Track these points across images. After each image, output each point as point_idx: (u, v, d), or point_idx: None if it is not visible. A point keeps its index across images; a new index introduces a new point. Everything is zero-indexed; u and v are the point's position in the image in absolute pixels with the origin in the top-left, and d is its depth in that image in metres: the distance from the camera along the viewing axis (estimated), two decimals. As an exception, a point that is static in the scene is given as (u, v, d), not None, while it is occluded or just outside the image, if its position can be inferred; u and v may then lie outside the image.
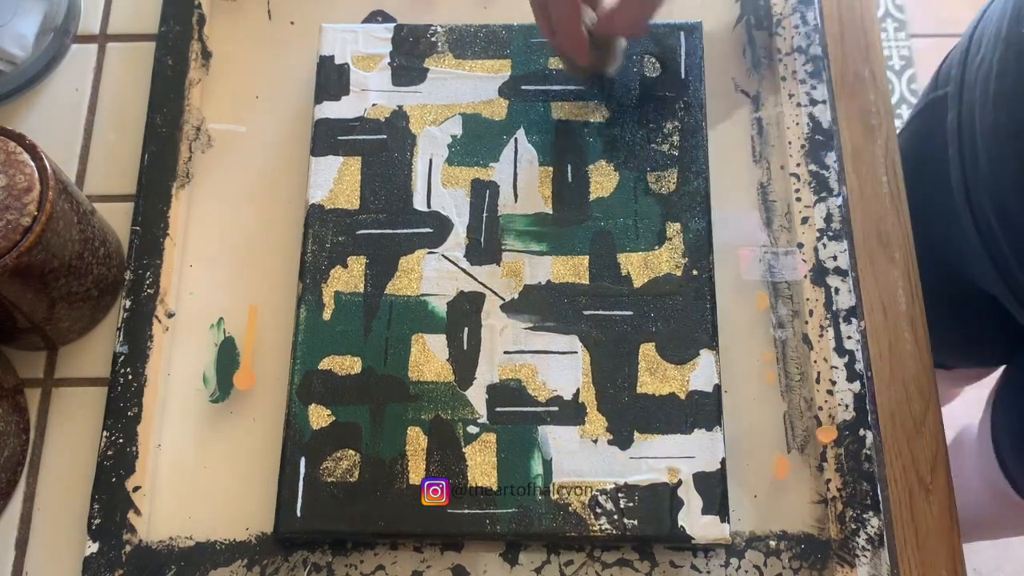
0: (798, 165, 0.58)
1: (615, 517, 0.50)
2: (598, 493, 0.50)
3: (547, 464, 0.51)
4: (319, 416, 0.52)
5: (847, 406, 0.53)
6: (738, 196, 0.58)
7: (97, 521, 0.51)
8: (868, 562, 0.50)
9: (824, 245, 0.57)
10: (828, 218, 0.57)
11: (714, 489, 0.50)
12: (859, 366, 0.54)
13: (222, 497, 0.53)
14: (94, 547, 0.51)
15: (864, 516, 0.51)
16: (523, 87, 0.59)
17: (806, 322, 0.55)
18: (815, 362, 0.55)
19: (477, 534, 0.50)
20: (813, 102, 0.60)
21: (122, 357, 0.55)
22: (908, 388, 0.56)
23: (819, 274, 0.56)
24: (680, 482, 0.50)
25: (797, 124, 0.59)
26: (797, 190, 0.58)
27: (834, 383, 0.54)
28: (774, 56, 0.61)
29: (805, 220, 0.57)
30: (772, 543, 0.51)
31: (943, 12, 1.62)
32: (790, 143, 0.59)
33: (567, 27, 0.53)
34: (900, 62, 1.60)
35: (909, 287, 0.58)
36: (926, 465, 0.54)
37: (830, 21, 0.63)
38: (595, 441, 0.51)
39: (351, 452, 0.51)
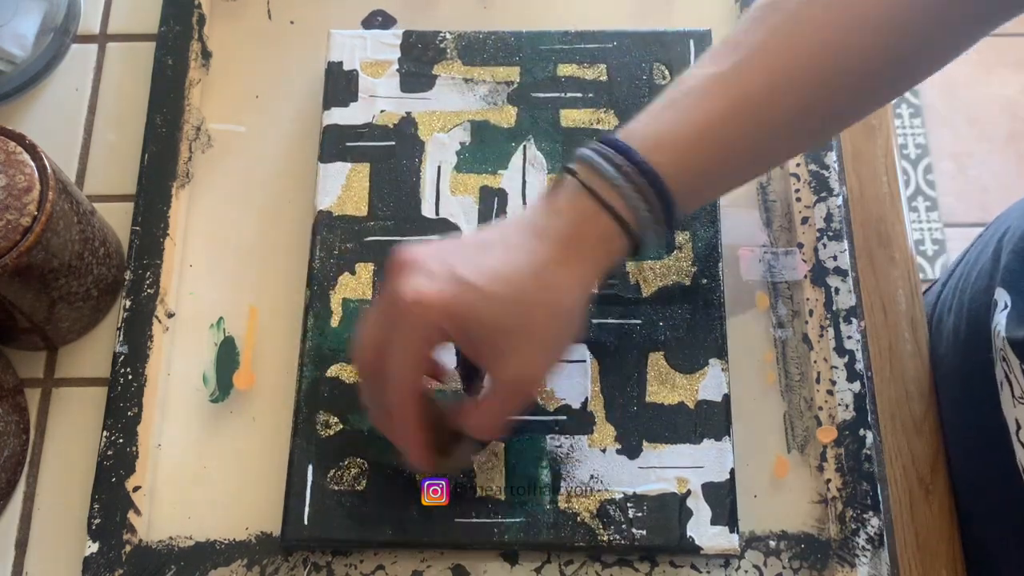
0: (798, 165, 0.58)
1: (623, 527, 0.49)
2: (606, 503, 0.50)
3: (555, 473, 0.51)
4: (326, 424, 0.52)
5: (847, 406, 0.53)
6: (738, 196, 0.58)
7: (97, 521, 0.51)
8: (868, 562, 0.50)
9: (824, 245, 0.56)
10: (828, 218, 0.57)
11: (723, 499, 0.50)
12: (859, 366, 0.54)
13: (222, 497, 0.53)
14: (94, 547, 0.51)
15: (864, 516, 0.51)
16: (532, 94, 0.59)
17: (806, 322, 0.55)
18: (815, 362, 0.54)
19: (485, 543, 0.50)
20: (813, 102, 0.59)
21: (122, 357, 0.55)
22: (908, 388, 0.56)
23: (819, 274, 0.56)
24: (689, 492, 0.50)
25: (797, 124, 0.59)
26: (797, 190, 0.58)
27: (834, 383, 0.54)
28: (774, 56, 0.61)
29: (805, 220, 0.57)
30: (772, 543, 0.51)
31: (943, 12, 1.62)
32: (790, 143, 0.59)
33: (404, 416, 0.44)
34: (900, 62, 1.60)
35: (909, 287, 0.58)
36: (926, 465, 0.54)
37: (830, 21, 0.63)
38: (604, 450, 0.51)
39: (359, 460, 0.51)
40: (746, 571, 0.51)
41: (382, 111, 0.59)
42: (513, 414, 0.45)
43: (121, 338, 0.55)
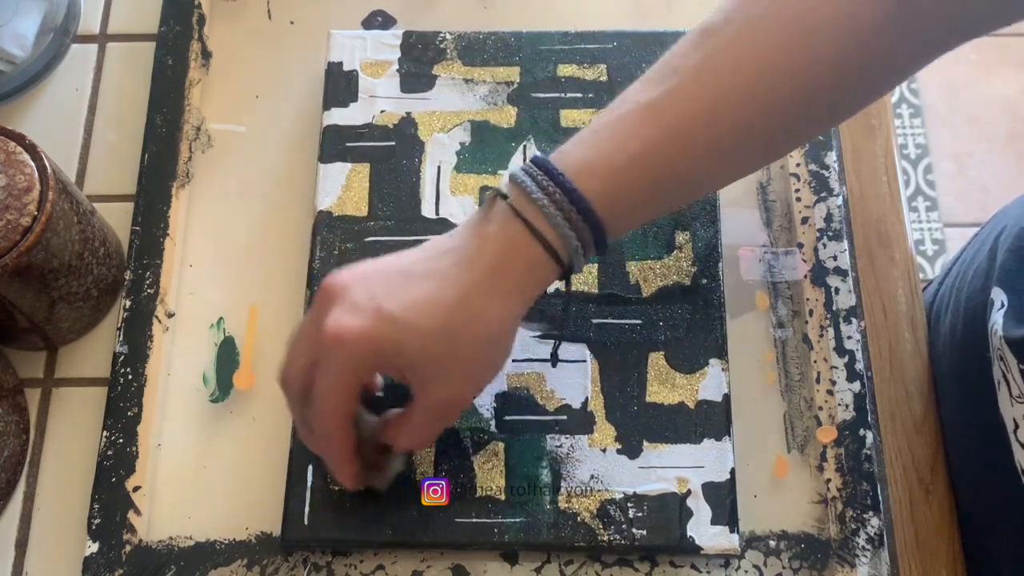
0: (798, 165, 0.58)
1: (624, 527, 0.49)
2: (607, 503, 0.50)
3: (555, 473, 0.51)
4: None
5: (847, 406, 0.53)
6: (738, 196, 0.58)
7: (97, 521, 0.51)
8: (868, 562, 0.50)
9: (824, 245, 0.56)
10: (828, 218, 0.57)
11: (723, 499, 0.50)
12: (859, 366, 0.54)
13: (222, 497, 0.53)
14: (94, 547, 0.51)
15: (864, 516, 0.51)
16: (532, 94, 0.59)
17: (806, 322, 0.55)
18: (815, 362, 0.54)
19: (485, 543, 0.50)
20: (813, 102, 0.59)
21: (122, 357, 0.55)
22: (908, 388, 0.56)
23: (819, 274, 0.56)
24: (689, 492, 0.50)
25: (797, 124, 0.59)
26: (797, 190, 0.58)
27: (834, 383, 0.54)
28: (774, 56, 0.61)
29: (805, 220, 0.57)
30: (772, 543, 0.51)
31: (943, 12, 1.62)
32: (790, 143, 0.59)
33: (330, 441, 0.45)
34: (900, 62, 1.60)
35: (909, 287, 0.58)
36: (926, 465, 0.54)
37: (830, 21, 0.63)
38: (604, 450, 0.51)
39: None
40: (746, 571, 0.51)
41: (382, 111, 0.59)
42: (439, 433, 0.46)
43: (121, 338, 0.55)
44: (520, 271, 0.43)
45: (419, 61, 0.60)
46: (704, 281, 0.54)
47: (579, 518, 0.50)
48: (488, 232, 0.43)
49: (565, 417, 0.52)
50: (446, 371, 0.43)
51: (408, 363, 0.43)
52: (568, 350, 0.53)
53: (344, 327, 0.42)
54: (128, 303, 0.56)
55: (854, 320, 0.55)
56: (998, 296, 0.52)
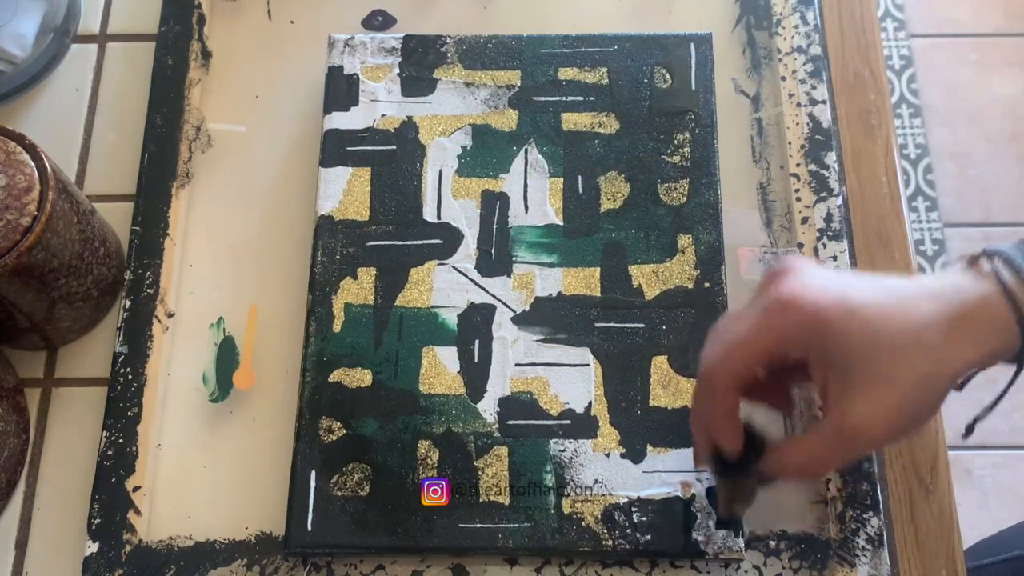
0: (798, 165, 0.58)
1: (628, 532, 0.49)
2: (611, 507, 0.50)
3: (559, 478, 0.51)
4: (329, 429, 0.52)
5: (847, 406, 0.53)
6: (738, 196, 0.58)
7: (97, 521, 0.51)
8: (868, 562, 0.50)
9: (824, 245, 0.56)
10: (828, 218, 0.57)
11: None
12: (859, 366, 0.54)
13: (222, 497, 0.53)
14: (94, 547, 0.51)
15: (864, 516, 0.51)
16: (533, 98, 0.59)
17: (806, 322, 0.55)
18: (815, 362, 0.54)
19: (489, 548, 0.50)
20: (813, 102, 0.60)
21: (122, 357, 0.55)
22: (908, 388, 0.55)
23: (819, 274, 0.56)
24: (694, 496, 0.50)
25: (797, 124, 0.59)
26: (797, 190, 0.58)
27: (834, 383, 0.54)
28: (774, 56, 0.61)
29: (805, 220, 0.57)
30: (772, 543, 0.51)
31: (943, 12, 1.62)
32: (790, 143, 0.59)
33: (716, 412, 0.43)
34: (900, 62, 1.60)
35: (909, 287, 0.58)
36: (926, 465, 0.54)
37: (830, 21, 0.63)
38: (608, 455, 0.51)
39: (362, 466, 0.51)
40: (746, 571, 0.51)
41: (383, 115, 0.58)
42: (833, 466, 0.44)
43: (121, 338, 0.55)
44: (983, 325, 0.40)
45: (420, 65, 0.60)
46: (707, 284, 0.54)
47: (583, 523, 0.50)
48: (959, 280, 0.41)
49: (568, 421, 0.52)
50: (875, 385, 0.40)
51: (843, 356, 0.40)
52: (571, 354, 0.53)
53: (798, 294, 0.40)
54: (128, 303, 0.56)
55: (854, 320, 0.55)
56: None
